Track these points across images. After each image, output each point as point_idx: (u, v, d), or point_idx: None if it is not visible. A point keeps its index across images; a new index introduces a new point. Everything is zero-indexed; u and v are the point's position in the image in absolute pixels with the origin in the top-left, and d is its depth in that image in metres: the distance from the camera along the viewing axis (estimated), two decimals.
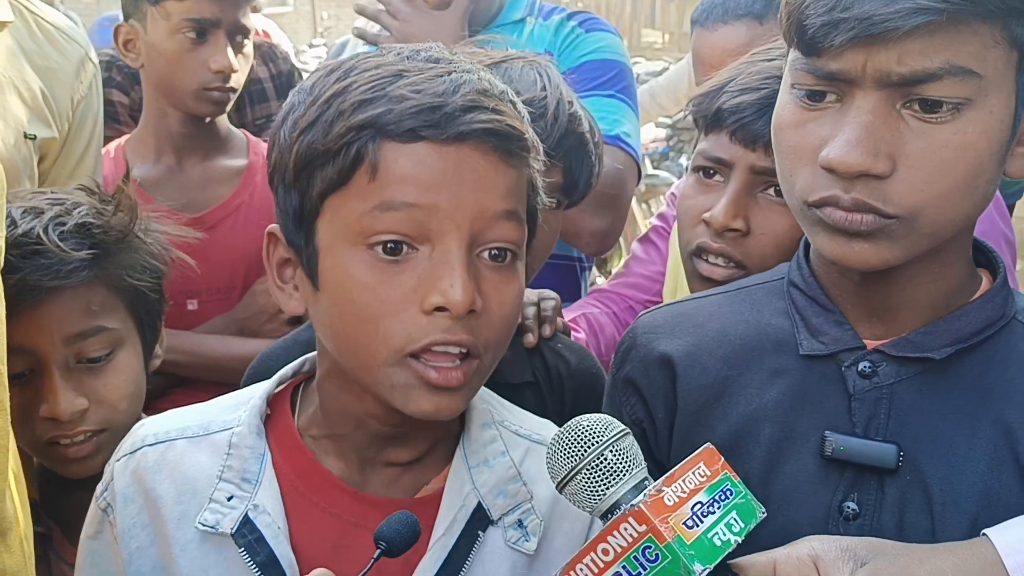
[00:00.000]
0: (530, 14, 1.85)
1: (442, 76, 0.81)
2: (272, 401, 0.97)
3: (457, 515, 0.91)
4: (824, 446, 0.89)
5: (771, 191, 1.17)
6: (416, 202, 0.79)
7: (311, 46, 11.44)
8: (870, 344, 0.91)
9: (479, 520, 0.92)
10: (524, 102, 1.07)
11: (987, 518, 0.85)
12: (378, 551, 0.78)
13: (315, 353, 0.97)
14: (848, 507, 0.89)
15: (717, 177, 1.22)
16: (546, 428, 1.00)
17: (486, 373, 0.87)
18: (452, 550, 0.90)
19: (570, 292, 1.76)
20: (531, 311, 1.29)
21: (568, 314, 1.47)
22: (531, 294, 1.33)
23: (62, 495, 1.14)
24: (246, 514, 0.89)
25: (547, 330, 1.28)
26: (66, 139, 1.57)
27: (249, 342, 1.65)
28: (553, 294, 1.35)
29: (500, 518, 0.93)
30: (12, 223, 1.15)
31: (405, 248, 0.81)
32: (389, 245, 0.80)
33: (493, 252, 0.83)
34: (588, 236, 1.69)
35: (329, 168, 0.81)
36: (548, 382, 1.26)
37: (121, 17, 1.81)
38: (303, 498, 0.91)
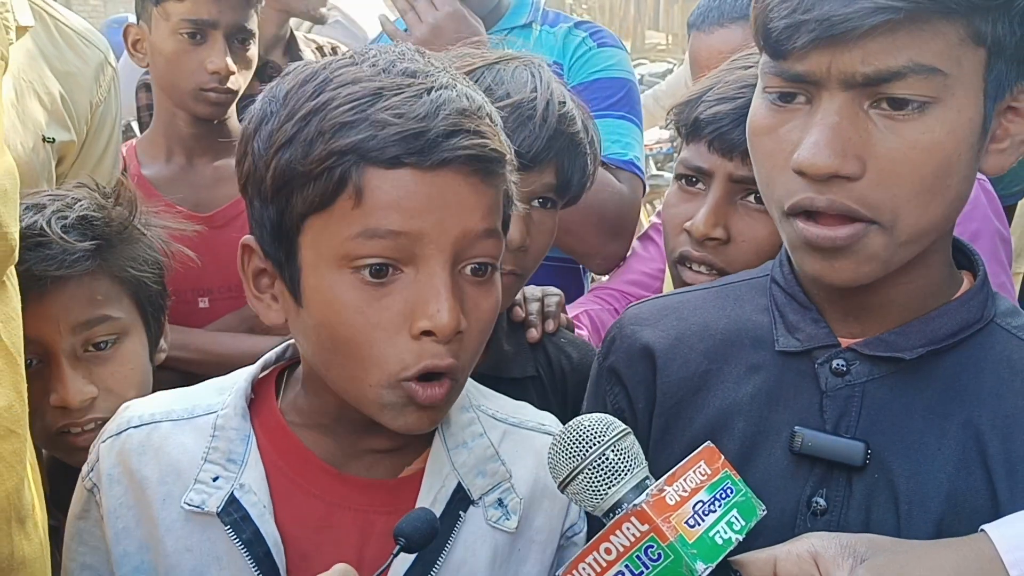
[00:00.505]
0: (535, 20, 1.87)
1: (421, 96, 0.82)
2: (256, 385, 0.98)
3: (437, 495, 0.93)
4: (794, 441, 0.90)
5: (751, 199, 1.19)
6: (401, 229, 0.81)
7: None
8: (845, 343, 0.93)
9: (460, 500, 0.94)
10: (514, 104, 1.09)
11: (953, 519, 0.86)
12: (397, 547, 0.79)
13: None
14: (816, 502, 0.90)
15: (699, 185, 1.25)
16: (522, 411, 1.03)
17: (462, 385, 0.89)
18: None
19: (574, 294, 1.79)
20: (535, 307, 1.32)
21: (570, 311, 1.50)
22: (535, 290, 1.36)
23: (70, 488, 1.16)
24: (232, 493, 0.91)
25: (551, 325, 1.31)
26: (84, 142, 1.59)
27: (259, 339, 1.67)
28: (556, 291, 1.37)
29: (480, 497, 0.95)
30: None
31: (390, 270, 0.82)
32: (375, 268, 0.82)
33: (474, 267, 0.85)
34: (600, 259, 1.75)
35: (310, 190, 0.82)
36: (551, 377, 1.28)
37: (129, 20, 1.85)
38: (287, 479, 0.92)
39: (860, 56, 0.78)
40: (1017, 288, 2.23)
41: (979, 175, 1.40)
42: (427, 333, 0.81)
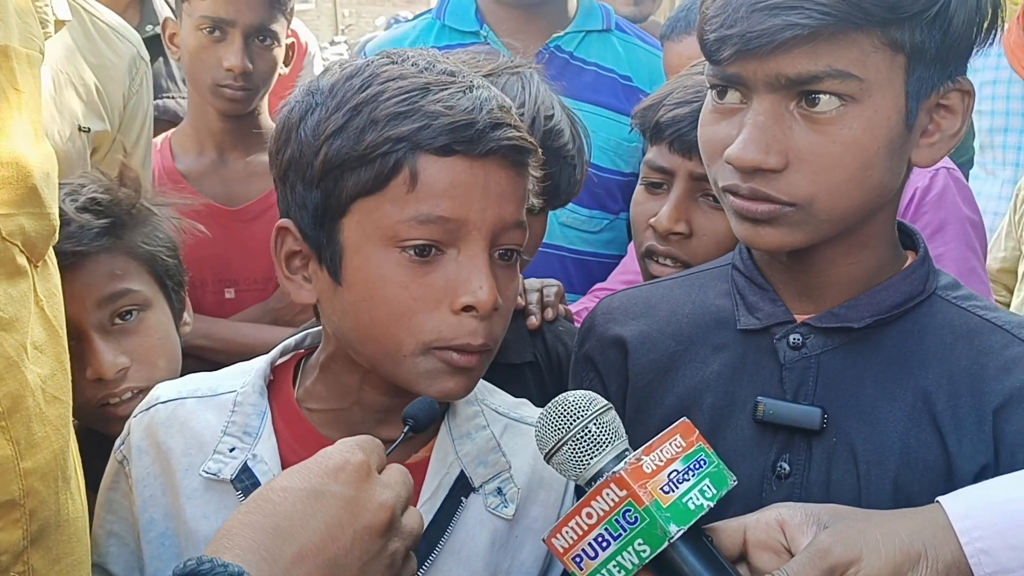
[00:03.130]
0: (608, 26, 1.87)
1: (465, 92, 0.89)
2: (275, 370, 1.05)
3: (442, 481, 1.00)
4: (757, 410, 0.97)
5: (711, 197, 1.26)
6: (451, 216, 0.88)
7: (332, 43, 11.54)
8: (800, 319, 1.00)
9: (462, 487, 1.00)
10: None
11: (908, 475, 0.93)
12: (407, 427, 0.87)
13: (317, 329, 1.05)
14: (781, 467, 0.97)
15: (664, 187, 1.33)
16: (522, 407, 1.10)
17: (491, 359, 0.96)
18: (437, 513, 0.99)
19: (584, 286, 1.84)
20: (535, 296, 1.37)
21: (572, 309, 1.57)
22: (535, 282, 1.41)
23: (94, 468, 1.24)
24: (245, 462, 0.97)
25: (549, 313, 1.36)
26: (117, 133, 1.64)
27: (283, 331, 1.72)
28: (555, 282, 1.43)
29: (481, 486, 1.01)
30: None
31: (434, 251, 0.89)
32: (421, 248, 0.88)
33: (502, 252, 0.93)
34: None
35: (362, 174, 0.88)
36: (548, 363, 1.34)
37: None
38: (297, 456, 0.94)
39: (781, 63, 0.87)
40: None
41: (950, 164, 1.48)
42: (467, 309, 0.88)
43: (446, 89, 0.89)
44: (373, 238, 0.89)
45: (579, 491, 1.04)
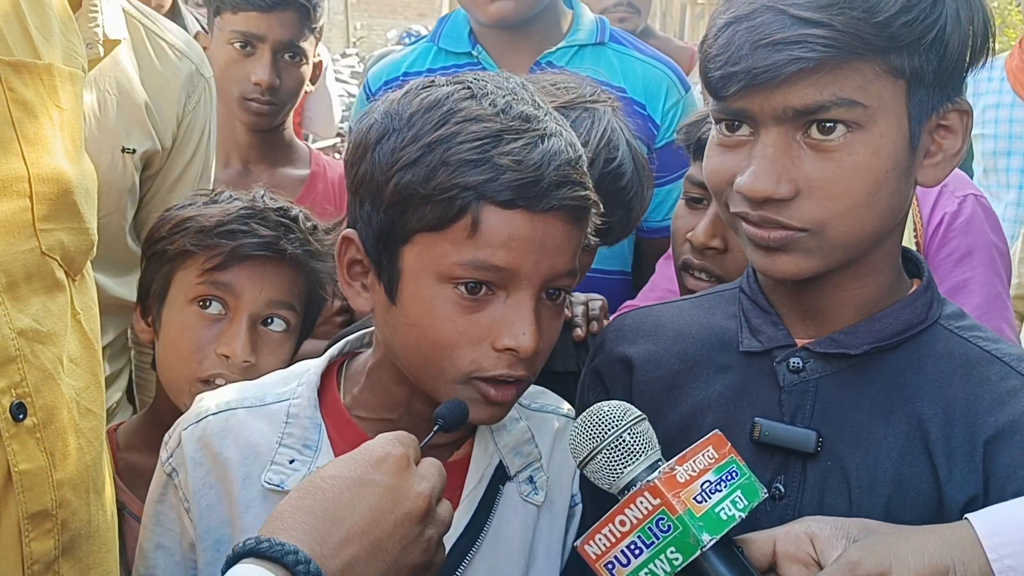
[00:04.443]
0: (602, 39, 1.86)
1: (537, 144, 0.92)
2: (321, 378, 1.06)
3: (484, 472, 1.05)
4: (754, 431, 0.99)
5: None
6: (506, 266, 0.92)
7: (344, 55, 11.60)
8: (801, 343, 1.01)
9: (500, 476, 1.06)
10: None
11: (899, 501, 0.95)
12: (436, 426, 0.91)
13: (355, 335, 1.07)
14: (776, 488, 0.98)
15: (704, 201, 1.35)
16: (542, 396, 1.16)
17: (529, 386, 1.01)
18: (481, 501, 1.04)
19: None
20: (580, 310, 1.40)
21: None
22: (580, 296, 1.43)
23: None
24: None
25: (594, 327, 1.39)
26: (171, 151, 1.63)
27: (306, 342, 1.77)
28: (600, 297, 1.45)
29: (516, 474, 1.07)
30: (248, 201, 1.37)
31: (485, 291, 0.93)
32: (472, 286, 0.93)
33: (551, 293, 0.97)
34: None
35: (428, 211, 0.92)
36: None
37: None
38: None
39: (787, 96, 0.89)
40: None
41: (977, 191, 1.49)
42: (509, 351, 0.93)
43: (519, 139, 0.92)
44: (430, 271, 0.93)
45: (584, 478, 1.05)
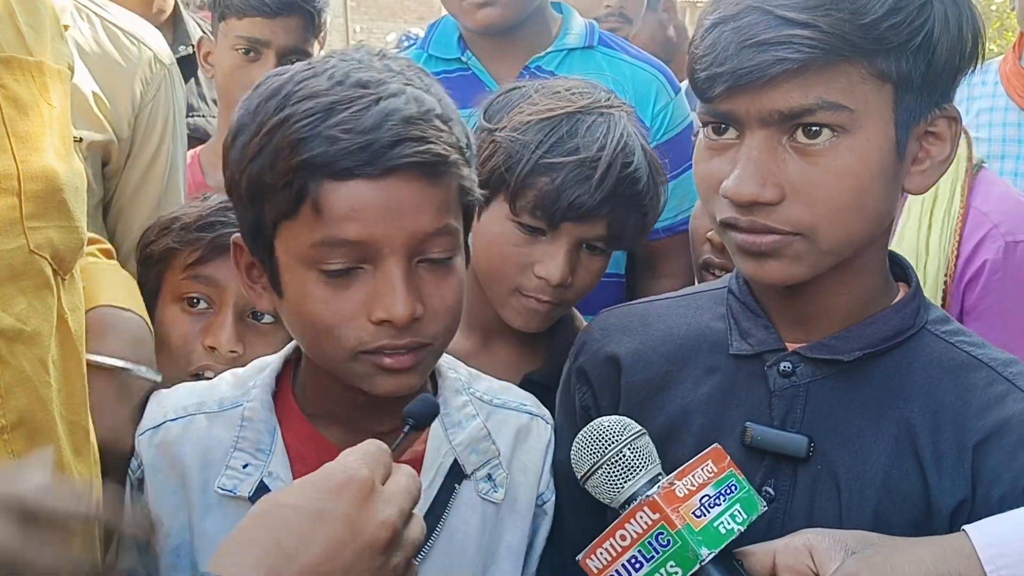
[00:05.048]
0: (591, 43, 1.85)
1: (370, 108, 0.88)
2: (276, 380, 1.05)
3: (437, 470, 1.04)
4: (745, 435, 0.99)
5: None
6: (358, 238, 0.89)
7: None
8: (791, 347, 1.01)
9: (455, 475, 1.05)
10: (577, 161, 1.16)
11: (888, 506, 0.95)
12: (407, 426, 0.87)
13: None
14: (766, 491, 0.98)
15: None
16: (506, 392, 1.15)
17: (440, 351, 1.00)
18: (433, 501, 1.03)
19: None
20: None
21: None
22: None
23: None
24: (261, 480, 1.00)
25: None
26: (133, 142, 1.56)
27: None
28: None
29: (472, 472, 1.06)
30: None
31: (351, 270, 0.91)
32: (335, 271, 0.91)
33: (430, 259, 0.93)
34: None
35: (279, 199, 0.90)
36: None
37: None
38: (307, 466, 0.95)
39: (773, 98, 0.89)
40: None
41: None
42: (385, 322, 0.91)
43: (351, 107, 0.88)
44: (296, 258, 0.92)
45: (557, 476, 1.09)
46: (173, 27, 2.44)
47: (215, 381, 1.11)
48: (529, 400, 1.16)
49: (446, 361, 1.11)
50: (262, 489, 0.99)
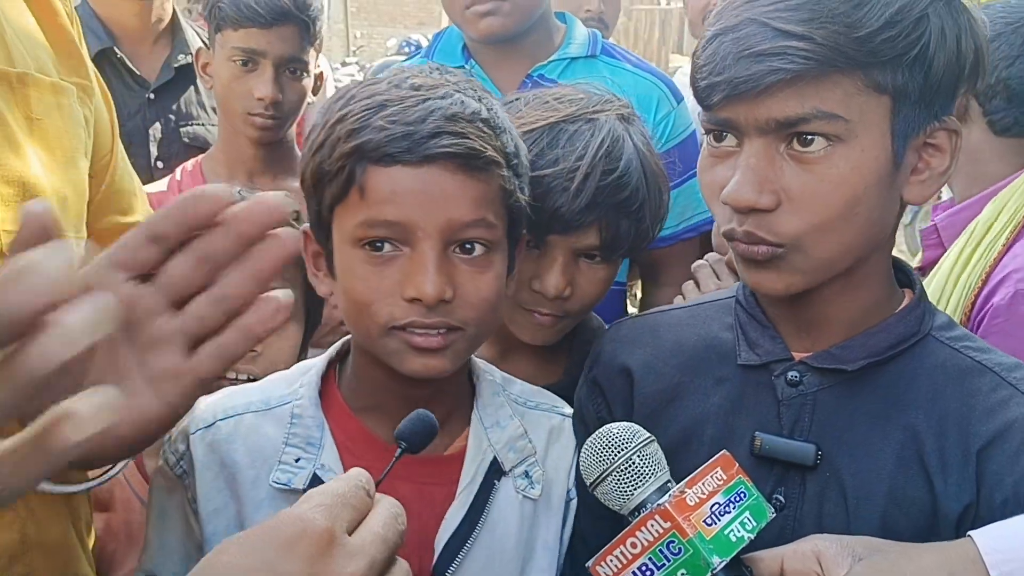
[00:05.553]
0: (594, 52, 1.86)
1: (417, 105, 0.98)
2: (322, 378, 1.12)
3: (478, 468, 1.08)
4: (754, 445, 1.00)
5: None
6: (395, 219, 0.97)
7: (344, 64, 11.65)
8: (798, 356, 1.03)
9: (494, 472, 1.09)
10: (556, 172, 1.18)
11: (894, 511, 0.96)
12: (399, 450, 0.84)
13: (349, 336, 1.11)
14: (776, 499, 0.99)
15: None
16: (539, 395, 1.20)
17: (473, 341, 1.04)
18: (475, 497, 1.07)
19: (617, 313, 1.84)
20: None
21: None
22: None
23: None
24: (314, 472, 1.04)
25: None
26: None
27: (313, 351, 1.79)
28: None
29: (511, 470, 1.10)
30: None
31: (390, 247, 0.99)
32: (375, 246, 0.99)
33: (465, 247, 1.00)
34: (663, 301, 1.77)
35: (333, 185, 1.00)
36: None
37: None
38: (355, 459, 1.03)
39: (769, 107, 0.91)
40: None
41: None
42: (416, 300, 0.97)
43: (401, 104, 0.98)
44: (345, 240, 1.01)
45: (579, 477, 1.07)
46: (172, 36, 2.47)
47: (261, 383, 1.15)
48: (560, 403, 1.20)
49: (482, 363, 1.17)
50: (316, 480, 1.03)
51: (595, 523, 1.10)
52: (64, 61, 1.01)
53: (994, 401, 0.98)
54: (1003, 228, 1.58)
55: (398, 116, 0.97)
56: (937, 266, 1.68)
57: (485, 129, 1.00)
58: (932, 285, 1.63)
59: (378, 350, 1.02)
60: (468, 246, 1.00)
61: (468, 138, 0.98)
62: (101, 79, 1.10)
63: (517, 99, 1.33)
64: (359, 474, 0.70)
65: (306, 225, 1.08)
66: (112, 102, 1.13)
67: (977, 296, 1.55)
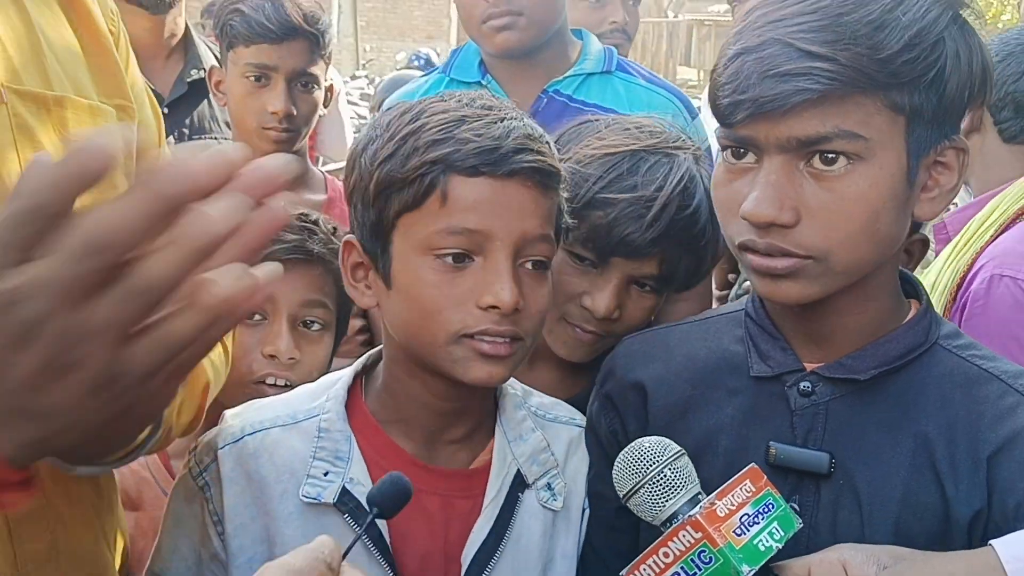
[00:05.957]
0: (609, 68, 1.88)
1: (496, 123, 1.02)
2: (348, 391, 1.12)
3: (503, 482, 1.10)
4: (769, 454, 1.02)
5: None
6: (476, 228, 1.00)
7: (353, 77, 11.72)
8: (809, 367, 1.05)
9: (519, 484, 1.12)
10: (633, 199, 1.22)
11: (908, 518, 0.98)
12: (370, 515, 0.85)
13: (377, 348, 1.13)
14: (791, 507, 0.99)
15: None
16: (557, 407, 1.22)
17: (526, 352, 1.06)
18: (501, 509, 1.09)
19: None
20: None
21: None
22: None
23: None
24: (343, 486, 1.05)
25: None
26: None
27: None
28: None
29: (534, 482, 1.12)
30: None
31: (464, 258, 1.01)
32: (454, 256, 1.01)
33: (531, 262, 1.04)
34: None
35: (405, 193, 1.01)
36: None
37: None
38: (382, 471, 1.01)
39: (792, 125, 0.92)
40: None
41: (1015, 274, 1.43)
42: (492, 308, 1.00)
43: (480, 120, 1.02)
44: (414, 247, 1.02)
45: (589, 487, 1.15)
46: (185, 51, 2.49)
47: (287, 396, 1.17)
48: (578, 415, 1.22)
49: None
50: (345, 494, 1.04)
51: (608, 535, 1.13)
52: (104, 81, 1.02)
53: (1002, 408, 0.99)
54: (993, 222, 1.65)
55: (481, 131, 1.00)
56: (937, 258, 1.75)
57: (552, 150, 1.06)
58: (929, 274, 1.70)
59: (440, 358, 1.03)
60: (533, 263, 1.04)
61: (544, 156, 1.03)
62: (152, 95, 1.11)
63: (596, 120, 1.37)
64: (321, 546, 0.68)
65: (350, 236, 1.10)
66: (161, 116, 1.15)
67: (962, 281, 1.62)
